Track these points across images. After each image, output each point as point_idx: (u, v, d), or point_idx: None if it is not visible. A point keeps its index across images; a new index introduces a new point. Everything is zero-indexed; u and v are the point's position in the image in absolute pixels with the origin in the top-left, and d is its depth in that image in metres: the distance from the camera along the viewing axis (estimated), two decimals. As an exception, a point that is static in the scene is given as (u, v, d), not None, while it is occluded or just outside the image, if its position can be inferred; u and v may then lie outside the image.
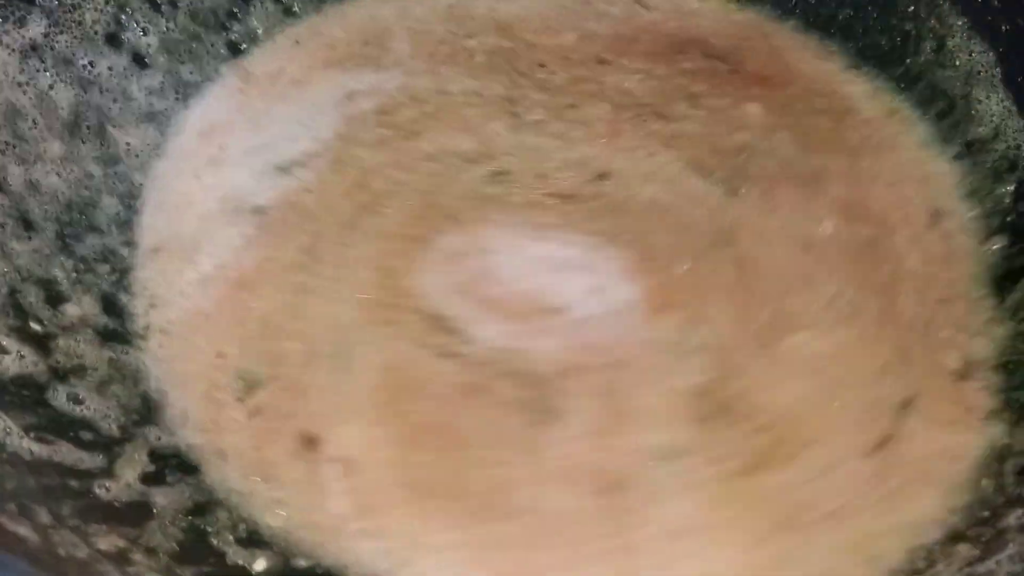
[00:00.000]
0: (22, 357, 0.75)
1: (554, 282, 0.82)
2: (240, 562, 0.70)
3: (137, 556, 0.66)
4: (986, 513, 0.70)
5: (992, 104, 0.91)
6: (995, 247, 0.86)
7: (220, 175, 0.89)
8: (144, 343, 0.81)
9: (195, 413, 0.77)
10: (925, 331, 0.81)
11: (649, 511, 0.72)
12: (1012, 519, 0.68)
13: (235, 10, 0.99)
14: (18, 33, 0.85)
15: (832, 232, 0.85)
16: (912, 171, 0.91)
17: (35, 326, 0.78)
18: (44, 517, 0.63)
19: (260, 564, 0.70)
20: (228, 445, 0.75)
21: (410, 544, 0.71)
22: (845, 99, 0.96)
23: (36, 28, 0.86)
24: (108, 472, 0.72)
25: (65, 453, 0.71)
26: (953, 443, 0.76)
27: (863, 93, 0.96)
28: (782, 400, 0.76)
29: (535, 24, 0.99)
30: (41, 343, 0.77)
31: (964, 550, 0.68)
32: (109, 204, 0.87)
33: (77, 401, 0.75)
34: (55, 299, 0.80)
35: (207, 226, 0.86)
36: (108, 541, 0.65)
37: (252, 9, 0.99)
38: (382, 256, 0.83)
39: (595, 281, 0.82)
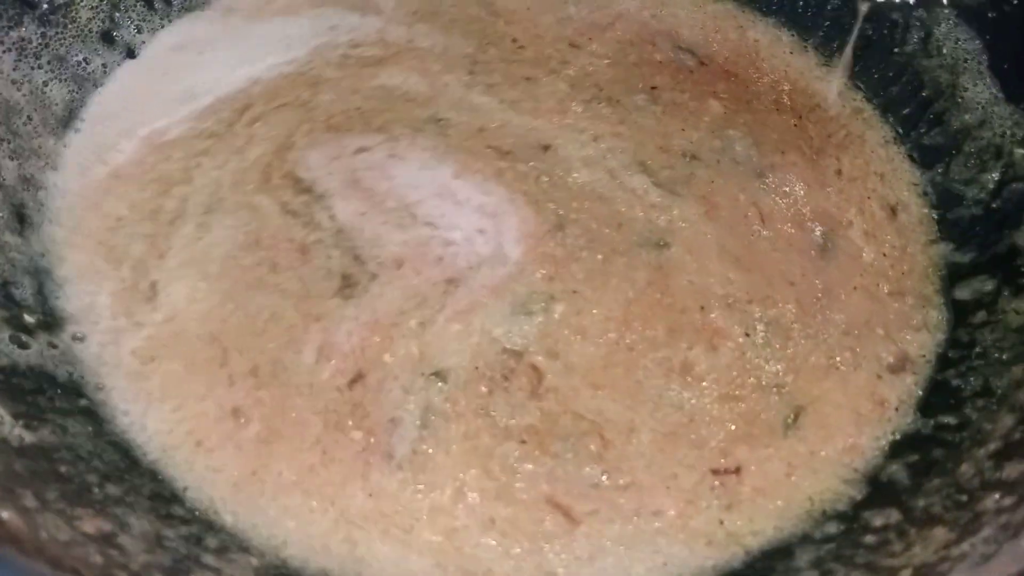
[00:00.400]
0: (15, 347, 0.77)
1: (444, 207, 0.84)
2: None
3: (124, 539, 0.67)
4: (964, 497, 0.70)
5: (979, 92, 0.91)
6: (953, 241, 0.87)
7: (186, 75, 0.94)
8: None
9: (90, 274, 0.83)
10: (865, 327, 0.82)
11: (382, 420, 0.75)
12: (990, 502, 0.68)
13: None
14: (13, 31, 0.87)
15: (776, 237, 0.85)
16: (875, 167, 0.92)
17: (28, 317, 0.79)
18: (30, 501, 0.64)
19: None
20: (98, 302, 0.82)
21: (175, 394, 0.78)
22: (813, 96, 0.96)
23: (31, 26, 0.87)
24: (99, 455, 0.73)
25: (54, 439, 0.72)
26: (854, 436, 0.78)
27: (831, 90, 0.97)
28: (605, 410, 0.77)
29: (517, 2, 1.01)
30: (34, 334, 0.78)
31: (940, 533, 0.68)
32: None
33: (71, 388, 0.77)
34: (48, 293, 0.82)
35: (156, 109, 0.91)
36: (93, 524, 0.66)
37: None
38: (289, 135, 0.89)
39: (488, 225, 0.83)
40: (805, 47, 1.00)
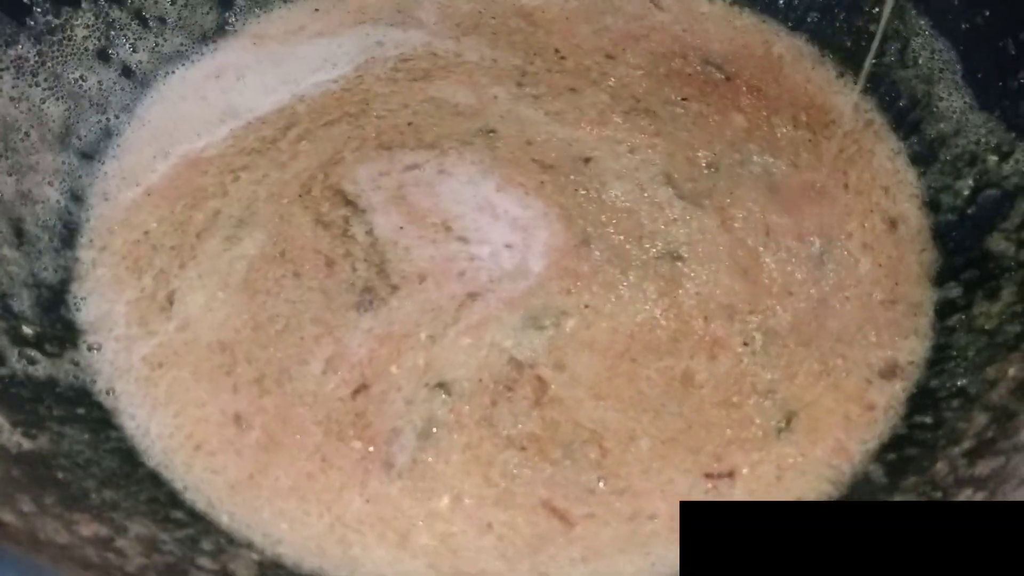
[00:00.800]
0: (13, 358, 0.78)
1: (481, 221, 0.87)
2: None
3: (121, 543, 0.68)
4: (938, 494, 0.72)
5: (953, 101, 0.93)
6: (941, 248, 0.89)
7: (226, 97, 0.97)
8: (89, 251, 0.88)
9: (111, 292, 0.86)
10: (858, 334, 0.84)
11: (383, 430, 0.78)
12: (962, 499, 0.70)
13: (226, 24, 1.03)
14: (11, 49, 0.88)
15: (779, 249, 0.88)
16: (881, 180, 0.93)
17: (27, 329, 0.81)
18: (27, 506, 0.66)
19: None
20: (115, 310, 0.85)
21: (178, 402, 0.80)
22: (829, 111, 0.98)
23: (27, 45, 0.89)
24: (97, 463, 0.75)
25: (52, 446, 0.74)
26: (844, 439, 0.80)
27: (847, 104, 0.99)
28: (606, 419, 0.79)
29: (555, 13, 1.04)
30: (32, 345, 0.80)
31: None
32: (99, 212, 0.91)
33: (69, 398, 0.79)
34: (46, 304, 0.84)
35: (195, 130, 0.94)
36: (91, 528, 0.68)
37: (241, 23, 1.03)
38: (337, 151, 0.91)
39: (518, 240, 0.86)
40: (824, 61, 1.02)
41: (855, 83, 0.99)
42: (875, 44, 0.94)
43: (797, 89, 0.99)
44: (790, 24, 1.04)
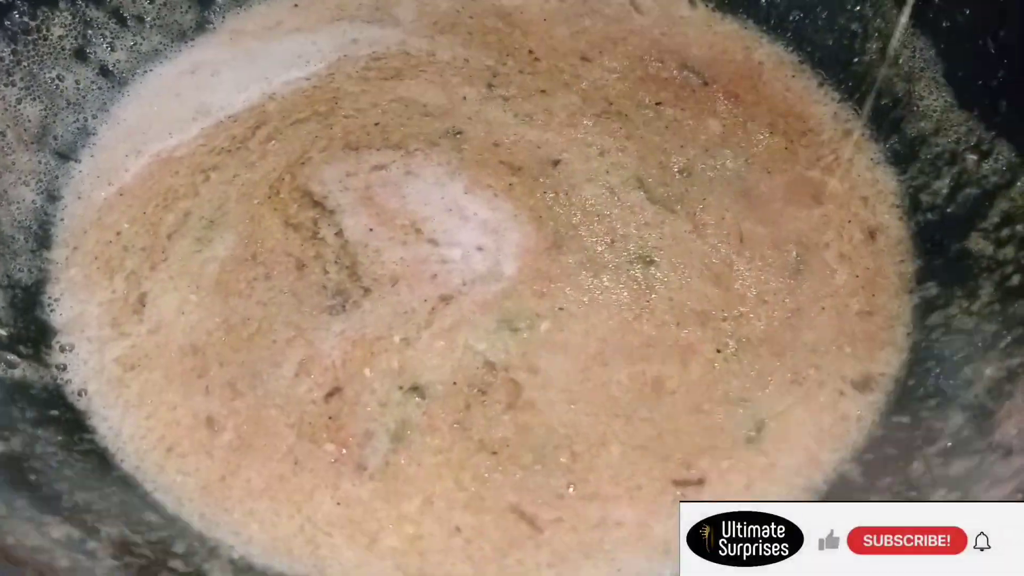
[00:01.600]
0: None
1: (450, 223, 0.87)
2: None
3: (93, 545, 0.68)
4: (913, 494, 0.72)
5: (934, 100, 0.93)
6: (921, 247, 0.89)
7: (199, 95, 0.96)
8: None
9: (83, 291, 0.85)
10: (833, 345, 0.84)
11: (356, 432, 0.78)
12: (937, 498, 0.71)
13: (206, 22, 1.02)
14: (-14, 50, 0.88)
15: (754, 257, 0.87)
16: (859, 191, 0.93)
17: (0, 331, 0.81)
18: (-1, 509, 0.66)
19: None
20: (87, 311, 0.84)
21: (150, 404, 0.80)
22: (807, 119, 0.98)
23: (3, 45, 0.89)
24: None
25: (24, 449, 0.73)
26: (815, 449, 0.79)
27: (826, 114, 0.98)
28: (578, 424, 0.79)
29: (533, 14, 1.04)
30: (5, 347, 0.80)
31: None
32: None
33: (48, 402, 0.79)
34: (20, 305, 0.84)
35: (167, 128, 0.94)
36: (62, 531, 0.67)
37: (220, 20, 1.03)
38: (304, 151, 0.91)
39: (489, 242, 0.86)
40: (804, 69, 1.01)
41: (836, 93, 0.99)
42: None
43: (775, 96, 0.99)
44: (772, 22, 1.04)
